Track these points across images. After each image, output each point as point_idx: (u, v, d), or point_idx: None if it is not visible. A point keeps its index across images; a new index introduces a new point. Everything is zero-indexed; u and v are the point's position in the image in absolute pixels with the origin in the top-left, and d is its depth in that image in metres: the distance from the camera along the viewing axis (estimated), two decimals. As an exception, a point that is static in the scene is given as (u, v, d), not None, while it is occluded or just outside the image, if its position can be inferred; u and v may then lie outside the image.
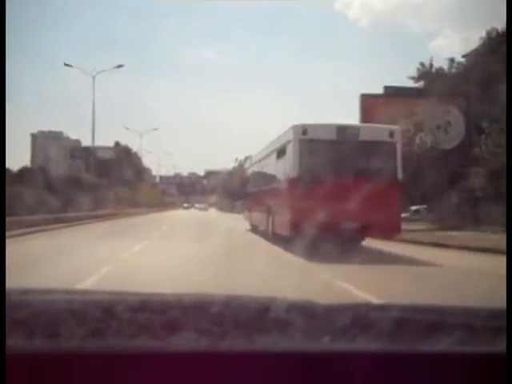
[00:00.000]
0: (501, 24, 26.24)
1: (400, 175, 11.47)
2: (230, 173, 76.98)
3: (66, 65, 39.22)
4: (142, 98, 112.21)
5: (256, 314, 1.07)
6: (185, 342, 0.91)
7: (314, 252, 8.80)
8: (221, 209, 79.08)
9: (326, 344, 0.95)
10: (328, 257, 8.79)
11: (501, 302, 1.37)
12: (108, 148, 71.47)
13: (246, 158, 30.45)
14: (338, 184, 10.58)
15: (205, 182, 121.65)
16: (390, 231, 11.67)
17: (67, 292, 1.36)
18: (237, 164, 71.36)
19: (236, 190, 62.00)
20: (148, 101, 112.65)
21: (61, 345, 0.89)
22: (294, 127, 11.61)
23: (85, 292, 1.48)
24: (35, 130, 78.30)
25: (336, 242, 9.85)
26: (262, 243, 13.72)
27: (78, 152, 72.51)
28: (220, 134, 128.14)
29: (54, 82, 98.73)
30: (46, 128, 76.91)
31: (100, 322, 0.97)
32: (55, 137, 77.22)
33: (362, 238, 12.21)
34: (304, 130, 11.45)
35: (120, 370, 0.85)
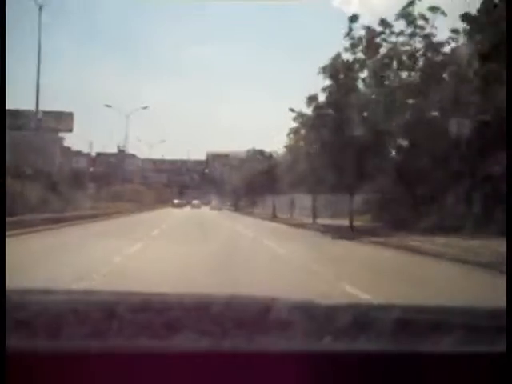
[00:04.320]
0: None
1: None
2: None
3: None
4: (141, 97, 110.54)
5: (257, 314, 1.07)
6: (186, 342, 0.91)
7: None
8: (236, 209, 54.71)
9: (327, 344, 0.95)
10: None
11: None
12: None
13: None
14: None
15: (206, 170, 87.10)
16: None
17: (68, 292, 1.37)
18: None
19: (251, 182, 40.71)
20: (147, 99, 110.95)
21: (62, 345, 0.88)
22: None
23: (86, 292, 1.48)
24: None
25: None
26: None
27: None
28: (218, 130, 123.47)
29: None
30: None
31: (101, 322, 0.97)
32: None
33: None
34: None
35: (121, 370, 0.85)
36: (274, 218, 35.56)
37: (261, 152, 47.54)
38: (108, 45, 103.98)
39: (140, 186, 59.25)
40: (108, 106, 46.76)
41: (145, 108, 46.76)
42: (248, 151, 49.83)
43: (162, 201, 63.35)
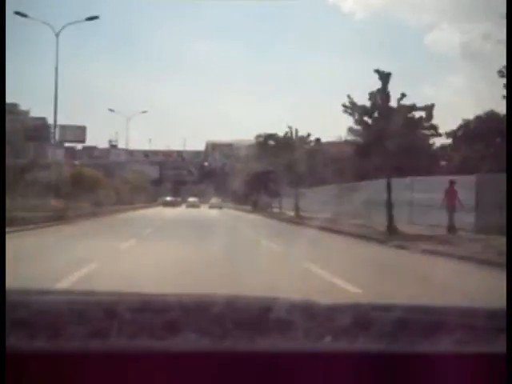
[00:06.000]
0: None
1: None
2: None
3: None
4: (135, 90, 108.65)
5: (257, 315, 1.07)
6: (186, 342, 0.91)
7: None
8: (254, 208, 39.20)
9: (327, 344, 0.95)
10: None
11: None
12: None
13: None
14: None
15: (206, 163, 72.91)
16: None
17: (68, 292, 1.37)
18: None
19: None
20: (139, 89, 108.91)
21: (62, 345, 0.88)
22: None
23: (86, 292, 1.48)
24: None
25: None
26: None
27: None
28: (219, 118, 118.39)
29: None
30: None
31: (101, 323, 0.97)
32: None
33: None
34: None
35: (121, 370, 0.85)
36: (392, 232, 14.89)
37: (273, 136, 36.66)
38: (107, 43, 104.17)
39: (95, 172, 36.25)
40: (22, 14, 26.56)
41: (92, 19, 29.11)
42: (258, 136, 39.31)
43: (151, 199, 52.24)
